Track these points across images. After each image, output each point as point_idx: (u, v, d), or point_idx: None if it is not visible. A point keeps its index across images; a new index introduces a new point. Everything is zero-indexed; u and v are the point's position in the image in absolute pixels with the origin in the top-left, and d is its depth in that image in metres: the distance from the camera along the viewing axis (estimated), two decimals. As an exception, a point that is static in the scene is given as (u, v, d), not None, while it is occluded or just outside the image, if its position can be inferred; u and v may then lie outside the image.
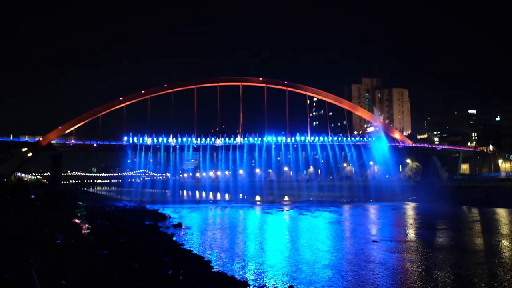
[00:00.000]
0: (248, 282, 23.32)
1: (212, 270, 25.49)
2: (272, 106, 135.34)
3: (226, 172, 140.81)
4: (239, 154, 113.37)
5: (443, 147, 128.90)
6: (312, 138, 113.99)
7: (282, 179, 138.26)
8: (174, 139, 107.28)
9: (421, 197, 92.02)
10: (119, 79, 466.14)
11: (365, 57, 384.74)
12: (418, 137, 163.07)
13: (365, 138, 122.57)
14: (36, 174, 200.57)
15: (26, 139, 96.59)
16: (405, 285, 23.40)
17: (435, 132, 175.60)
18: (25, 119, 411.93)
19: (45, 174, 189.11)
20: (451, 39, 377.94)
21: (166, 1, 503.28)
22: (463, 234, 43.20)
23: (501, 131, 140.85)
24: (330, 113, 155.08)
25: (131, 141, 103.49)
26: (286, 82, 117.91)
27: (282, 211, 76.26)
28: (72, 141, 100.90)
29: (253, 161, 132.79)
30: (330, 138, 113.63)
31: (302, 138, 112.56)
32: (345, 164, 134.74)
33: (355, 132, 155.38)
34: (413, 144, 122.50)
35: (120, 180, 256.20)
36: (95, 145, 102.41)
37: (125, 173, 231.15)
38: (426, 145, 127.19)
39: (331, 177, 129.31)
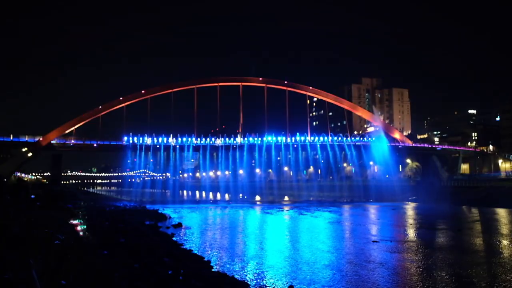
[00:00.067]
0: (248, 282, 23.30)
1: (212, 270, 25.48)
2: (272, 106, 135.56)
3: (226, 172, 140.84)
4: (239, 154, 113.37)
5: (443, 147, 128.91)
6: (312, 138, 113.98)
7: (282, 179, 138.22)
8: (174, 139, 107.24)
9: (421, 197, 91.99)
10: (119, 79, 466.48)
11: (365, 57, 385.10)
12: (418, 137, 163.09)
13: (365, 138, 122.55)
14: (36, 174, 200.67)
15: (26, 139, 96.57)
16: (405, 285, 23.38)
17: (435, 132, 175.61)
18: (25, 119, 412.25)
19: (45, 174, 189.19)
20: (451, 39, 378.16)
21: (166, 1, 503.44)
22: (463, 234, 43.18)
23: (501, 131, 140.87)
24: (330, 113, 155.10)
25: (131, 141, 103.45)
26: (286, 82, 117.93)
27: (282, 211, 76.23)
28: (72, 141, 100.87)
29: (253, 161, 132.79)
30: (330, 138, 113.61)
31: (302, 138, 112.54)
32: (345, 164, 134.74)
33: (355, 132, 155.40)
34: (413, 144, 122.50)
35: (120, 180, 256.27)
36: (95, 145, 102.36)
37: (125, 173, 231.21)
38: (426, 145, 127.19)
39: (331, 177, 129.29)
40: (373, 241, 37.79)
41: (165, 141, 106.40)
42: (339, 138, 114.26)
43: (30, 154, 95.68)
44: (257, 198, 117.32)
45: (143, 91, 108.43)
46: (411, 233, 46.46)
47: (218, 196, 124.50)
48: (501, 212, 65.57)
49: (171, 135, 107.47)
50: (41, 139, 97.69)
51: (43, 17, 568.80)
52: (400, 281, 24.24)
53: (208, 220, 62.32)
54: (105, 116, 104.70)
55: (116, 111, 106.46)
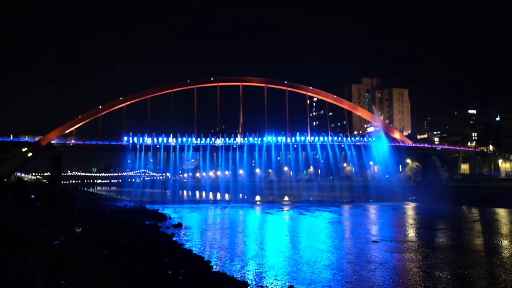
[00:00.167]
0: (248, 282, 23.31)
1: (212, 270, 25.47)
2: (272, 106, 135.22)
3: (226, 172, 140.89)
4: (239, 154, 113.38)
5: (443, 147, 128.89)
6: (312, 138, 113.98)
7: (282, 179, 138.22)
8: (174, 139, 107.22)
9: (421, 197, 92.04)
10: (119, 79, 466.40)
11: (365, 57, 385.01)
12: (418, 137, 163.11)
13: (365, 138, 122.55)
14: (36, 174, 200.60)
15: (26, 139, 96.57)
16: (405, 285, 23.39)
17: (435, 132, 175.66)
18: (25, 119, 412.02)
19: (45, 174, 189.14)
20: (451, 39, 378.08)
21: (166, 1, 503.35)
22: (463, 234, 43.20)
23: (501, 131, 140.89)
24: (330, 113, 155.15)
25: (131, 141, 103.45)
26: (286, 82, 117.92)
27: (282, 211, 76.25)
28: (72, 141, 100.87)
29: (253, 161, 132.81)
30: (330, 138, 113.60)
31: (302, 138, 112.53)
32: (345, 164, 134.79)
33: (355, 132, 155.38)
34: (413, 144, 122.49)
35: (120, 180, 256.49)
36: (95, 145, 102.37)
37: (125, 173, 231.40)
38: (426, 145, 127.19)
39: (331, 177, 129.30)
40: (373, 241, 37.80)
41: (165, 141, 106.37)
42: (339, 138, 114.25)
43: (30, 154, 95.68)
44: (257, 198, 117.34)
45: (143, 91, 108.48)
46: (411, 233, 46.47)
47: (218, 196, 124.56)
48: (501, 212, 65.57)
49: (171, 135, 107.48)
50: (41, 139, 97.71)
51: (43, 16, 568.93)
52: (400, 281, 24.24)
53: (208, 220, 62.34)
54: (105, 116, 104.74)
55: (116, 111, 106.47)
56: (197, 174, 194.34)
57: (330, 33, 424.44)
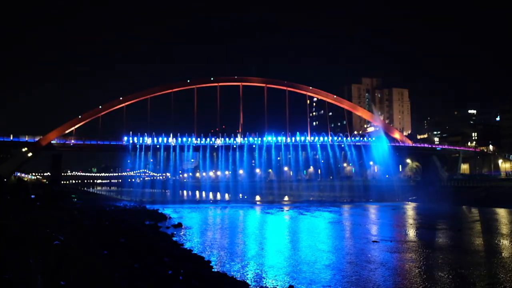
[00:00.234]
0: (248, 282, 23.31)
1: (212, 270, 25.48)
2: (272, 106, 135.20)
3: (226, 172, 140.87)
4: (239, 154, 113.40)
5: (443, 147, 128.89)
6: (312, 138, 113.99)
7: (282, 179, 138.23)
8: (174, 139, 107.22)
9: (421, 197, 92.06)
10: (119, 79, 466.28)
11: (365, 57, 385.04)
12: (418, 137, 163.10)
13: (365, 138, 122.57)
14: (36, 174, 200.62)
15: (26, 139, 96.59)
16: (405, 286, 23.39)
17: (435, 132, 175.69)
18: (25, 119, 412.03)
19: (45, 174, 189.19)
20: (451, 39, 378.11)
21: (166, 1, 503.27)
22: (463, 234, 43.20)
23: (501, 131, 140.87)
24: (330, 113, 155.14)
25: (131, 141, 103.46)
26: (286, 82, 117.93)
27: (282, 211, 76.25)
28: (72, 141, 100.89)
29: (253, 161, 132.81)
30: (330, 138, 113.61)
31: (302, 138, 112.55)
32: (345, 164, 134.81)
33: (355, 132, 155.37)
34: (413, 144, 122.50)
35: (120, 180, 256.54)
36: (95, 145, 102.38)
37: (125, 173, 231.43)
38: (426, 145, 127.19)
39: (331, 177, 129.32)
40: (373, 241, 37.80)
41: (165, 141, 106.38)
42: (339, 138, 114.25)
43: (30, 154, 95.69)
44: (257, 198, 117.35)
45: (143, 91, 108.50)
46: (411, 233, 46.47)
47: (218, 196, 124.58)
48: (501, 212, 65.58)
49: (171, 135, 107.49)
50: (41, 139, 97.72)
51: (43, 16, 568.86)
52: (401, 281, 24.24)
53: (208, 220, 62.35)
54: (105, 116, 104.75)
55: (116, 111, 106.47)
56: (197, 174, 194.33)
57: (330, 33, 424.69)
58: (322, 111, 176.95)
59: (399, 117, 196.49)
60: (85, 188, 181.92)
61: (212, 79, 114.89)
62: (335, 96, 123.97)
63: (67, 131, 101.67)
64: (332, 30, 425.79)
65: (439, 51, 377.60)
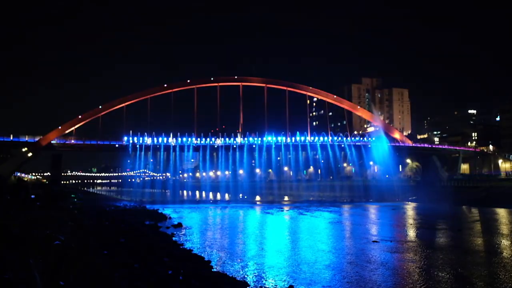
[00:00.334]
0: (248, 282, 23.30)
1: (212, 270, 25.47)
2: (272, 106, 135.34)
3: (226, 172, 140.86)
4: (239, 154, 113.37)
5: (443, 147, 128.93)
6: (312, 138, 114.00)
7: (282, 179, 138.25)
8: (174, 139, 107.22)
9: (421, 197, 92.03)
10: (119, 79, 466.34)
11: (365, 57, 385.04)
12: (418, 137, 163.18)
13: (365, 138, 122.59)
14: (36, 174, 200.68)
15: (26, 139, 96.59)
16: (405, 286, 23.38)
17: (435, 132, 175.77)
18: (25, 119, 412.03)
19: (45, 174, 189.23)
20: (451, 39, 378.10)
21: (166, 1, 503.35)
22: (463, 234, 43.18)
23: (501, 131, 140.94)
24: (330, 113, 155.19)
25: (131, 141, 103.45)
26: (286, 82, 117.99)
27: (282, 211, 76.23)
28: (72, 141, 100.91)
29: (253, 161, 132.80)
30: (330, 138, 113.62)
31: (302, 138, 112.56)
32: (345, 164, 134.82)
33: (355, 132, 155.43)
34: (413, 144, 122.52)
35: (120, 180, 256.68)
36: (95, 145, 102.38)
37: (125, 173, 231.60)
38: (426, 145, 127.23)
39: (331, 177, 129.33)
40: (373, 241, 37.79)
41: (165, 141, 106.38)
42: (339, 138, 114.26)
43: (30, 154, 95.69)
44: (257, 198, 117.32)
45: (143, 91, 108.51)
46: (411, 233, 46.46)
47: (218, 196, 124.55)
48: (501, 212, 65.56)
49: (171, 135, 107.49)
50: (41, 139, 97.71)
51: (43, 17, 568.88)
52: (401, 282, 24.24)
53: (208, 220, 62.32)
54: (105, 116, 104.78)
55: (116, 111, 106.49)
56: (197, 174, 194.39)
57: (330, 33, 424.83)
58: (322, 111, 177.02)
59: (399, 117, 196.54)
60: (85, 188, 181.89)
61: (212, 79, 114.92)
62: (335, 96, 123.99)
63: (67, 131, 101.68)
64: (332, 30, 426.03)
65: (439, 51, 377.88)
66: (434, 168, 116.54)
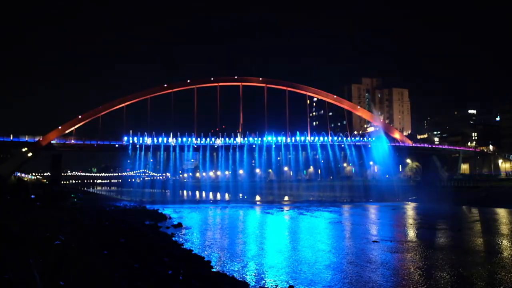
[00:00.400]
0: (248, 282, 23.30)
1: (212, 270, 25.47)
2: (272, 106, 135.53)
3: (226, 172, 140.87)
4: (239, 154, 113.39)
5: (443, 147, 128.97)
6: (312, 138, 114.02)
7: (282, 179, 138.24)
8: (174, 139, 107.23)
9: (421, 197, 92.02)
10: (119, 79, 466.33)
11: (365, 57, 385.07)
12: (418, 137, 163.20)
13: (365, 138, 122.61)
14: (36, 174, 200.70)
15: (26, 139, 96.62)
16: (405, 286, 23.38)
17: (435, 132, 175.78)
18: (25, 119, 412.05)
19: (45, 174, 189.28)
20: (451, 39, 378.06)
21: (166, 1, 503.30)
22: (463, 234, 43.18)
23: (501, 131, 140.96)
24: (330, 113, 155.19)
25: (131, 141, 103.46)
26: (286, 82, 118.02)
27: (282, 211, 76.22)
28: (72, 141, 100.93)
29: (253, 161, 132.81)
30: (330, 138, 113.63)
31: (302, 138, 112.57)
32: (345, 164, 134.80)
33: (355, 132, 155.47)
34: (413, 144, 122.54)
35: (120, 180, 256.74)
36: (95, 145, 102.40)
37: (125, 173, 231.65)
38: (426, 145, 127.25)
39: (331, 177, 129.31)
40: (373, 241, 37.79)
41: (165, 141, 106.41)
42: (339, 138, 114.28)
43: (30, 154, 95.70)
44: (257, 198, 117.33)
45: (143, 91, 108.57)
46: (411, 233, 46.45)
47: (218, 196, 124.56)
48: (501, 212, 65.56)
49: (171, 135, 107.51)
50: (41, 139, 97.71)
51: (43, 17, 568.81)
52: (401, 282, 24.23)
53: (208, 220, 62.31)
54: (105, 116, 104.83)
55: (116, 111, 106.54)
56: (197, 174, 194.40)
57: (330, 33, 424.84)
58: (322, 111, 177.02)
59: (399, 117, 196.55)
60: (85, 188, 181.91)
61: (212, 79, 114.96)
62: (335, 96, 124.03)
63: (67, 131, 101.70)
64: (332, 30, 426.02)
65: (439, 51, 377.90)
66: (434, 168, 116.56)
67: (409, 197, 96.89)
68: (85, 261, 17.56)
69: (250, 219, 64.45)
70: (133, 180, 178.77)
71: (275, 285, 23.18)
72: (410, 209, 78.65)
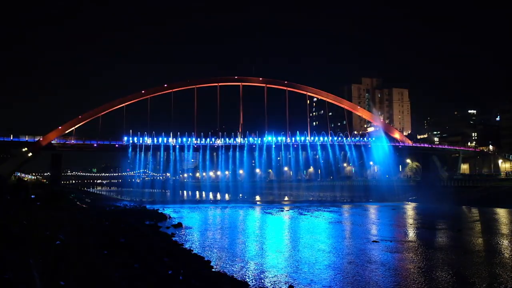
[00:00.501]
0: (248, 282, 23.29)
1: (212, 270, 25.46)
2: (272, 106, 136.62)
3: (226, 172, 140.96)
4: (239, 154, 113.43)
5: (443, 147, 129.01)
6: (312, 138, 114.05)
7: (282, 179, 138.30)
8: (174, 139, 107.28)
9: (421, 197, 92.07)
10: (119, 79, 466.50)
11: (365, 57, 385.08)
12: (418, 137, 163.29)
13: (365, 138, 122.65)
14: (36, 174, 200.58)
15: (26, 139, 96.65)
16: (405, 286, 23.37)
17: (435, 132, 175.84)
18: (25, 119, 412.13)
19: (45, 174, 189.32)
20: (451, 39, 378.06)
21: (166, 1, 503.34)
22: (463, 234, 43.17)
23: (501, 131, 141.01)
24: (330, 113, 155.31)
25: (131, 141, 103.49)
26: (286, 82, 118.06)
27: (282, 211, 76.20)
28: (72, 141, 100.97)
29: (253, 161, 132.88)
30: (330, 138, 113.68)
31: (302, 138, 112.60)
32: (345, 164, 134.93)
33: (355, 132, 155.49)
34: (413, 144, 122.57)
35: (120, 180, 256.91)
36: (95, 145, 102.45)
37: (125, 173, 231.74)
38: (426, 145, 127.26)
39: (331, 177, 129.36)
40: (373, 241, 37.77)
41: (165, 141, 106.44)
42: (339, 138, 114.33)
43: (30, 154, 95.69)
44: (257, 198, 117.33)
45: (143, 91, 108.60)
46: (411, 233, 46.44)
47: (218, 196, 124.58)
48: (501, 212, 65.56)
49: (171, 135, 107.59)
50: (41, 139, 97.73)
51: (43, 17, 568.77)
52: (401, 282, 24.22)
53: (208, 220, 62.30)
54: (105, 116, 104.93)
55: (116, 111, 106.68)
56: (197, 174, 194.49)
57: (330, 33, 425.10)
58: (322, 111, 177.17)
59: (399, 117, 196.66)
60: (85, 188, 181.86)
61: (212, 79, 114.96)
62: (335, 96, 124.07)
63: (67, 131, 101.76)
64: (332, 30, 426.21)
65: (439, 51, 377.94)
66: (434, 168, 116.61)
67: (409, 197, 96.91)
68: (85, 261, 17.55)
69: (250, 219, 64.44)
70: (133, 180, 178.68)
71: (275, 285, 23.18)
72: (410, 209, 78.65)
